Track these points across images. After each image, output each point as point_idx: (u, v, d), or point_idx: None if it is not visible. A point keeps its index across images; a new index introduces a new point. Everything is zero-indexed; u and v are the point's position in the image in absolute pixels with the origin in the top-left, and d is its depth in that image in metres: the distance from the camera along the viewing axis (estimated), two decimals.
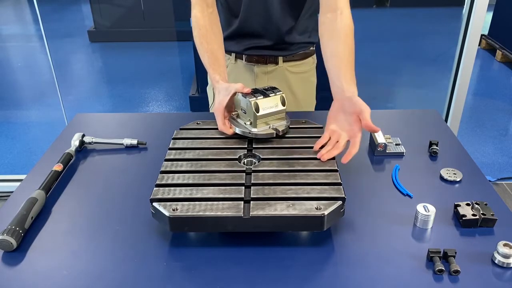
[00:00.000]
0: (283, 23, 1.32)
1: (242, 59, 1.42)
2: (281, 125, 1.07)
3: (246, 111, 1.06)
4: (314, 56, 1.49)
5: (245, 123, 1.07)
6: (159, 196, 0.85)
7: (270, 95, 1.06)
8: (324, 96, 1.57)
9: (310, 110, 1.51)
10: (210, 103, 1.53)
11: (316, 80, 1.52)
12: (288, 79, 1.44)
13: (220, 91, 1.10)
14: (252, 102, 1.03)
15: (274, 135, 1.05)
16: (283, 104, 1.07)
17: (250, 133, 1.04)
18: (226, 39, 1.38)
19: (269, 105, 1.05)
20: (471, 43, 2.13)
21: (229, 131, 1.07)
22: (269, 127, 1.06)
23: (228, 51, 1.42)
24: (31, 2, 6.48)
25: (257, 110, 1.03)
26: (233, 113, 1.10)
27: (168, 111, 3.46)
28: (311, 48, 1.46)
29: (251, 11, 1.31)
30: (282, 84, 1.43)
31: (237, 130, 1.06)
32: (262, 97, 1.05)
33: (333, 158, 0.97)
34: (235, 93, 1.08)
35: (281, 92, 1.07)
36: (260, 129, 1.05)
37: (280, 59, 1.40)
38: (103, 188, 1.03)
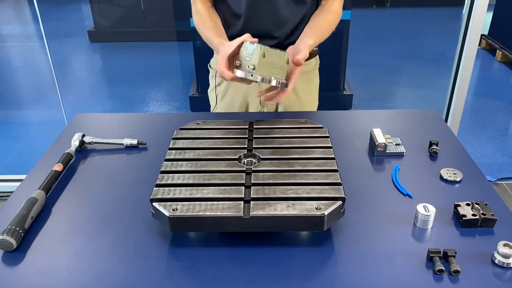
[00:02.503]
0: (288, 22, 1.33)
1: None
2: (281, 78, 1.11)
3: (251, 57, 1.08)
4: (317, 57, 1.49)
5: (248, 66, 1.09)
6: (159, 196, 0.85)
7: (277, 49, 1.10)
8: (324, 96, 1.58)
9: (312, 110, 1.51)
10: (212, 106, 1.52)
11: (318, 81, 1.52)
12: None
13: (225, 44, 1.15)
14: (260, 47, 1.06)
15: (275, 84, 1.09)
16: (287, 62, 1.11)
17: (252, 75, 1.07)
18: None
19: (274, 55, 1.09)
20: (471, 43, 2.13)
21: (230, 75, 1.10)
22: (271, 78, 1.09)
23: None
24: (31, 2, 6.48)
25: (263, 55, 1.06)
26: (236, 61, 1.12)
27: (168, 111, 3.46)
28: (315, 49, 1.45)
29: (256, 12, 1.30)
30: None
31: (239, 73, 1.08)
32: (269, 47, 1.08)
33: (333, 158, 0.97)
34: (241, 44, 1.11)
35: (286, 53, 1.12)
36: (263, 74, 1.07)
37: None
38: (103, 188, 1.03)
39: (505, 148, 2.83)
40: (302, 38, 1.24)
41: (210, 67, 1.51)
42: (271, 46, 1.11)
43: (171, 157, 0.99)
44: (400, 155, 1.13)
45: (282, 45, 1.36)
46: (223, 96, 1.46)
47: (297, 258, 0.82)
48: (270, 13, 1.31)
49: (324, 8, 1.33)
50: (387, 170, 1.07)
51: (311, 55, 1.45)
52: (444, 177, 1.03)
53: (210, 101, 1.54)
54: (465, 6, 2.16)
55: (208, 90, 1.54)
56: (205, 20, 1.30)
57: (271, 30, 1.34)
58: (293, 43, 1.36)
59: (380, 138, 1.13)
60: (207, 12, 1.32)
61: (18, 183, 1.05)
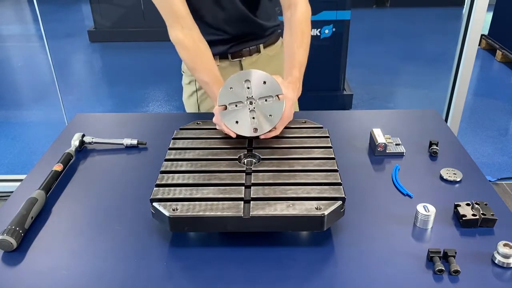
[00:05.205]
0: (247, 15, 1.32)
1: (227, 58, 1.39)
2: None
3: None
4: (281, 38, 1.48)
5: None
6: (159, 196, 0.85)
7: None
8: (324, 96, 1.58)
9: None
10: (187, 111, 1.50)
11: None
12: (269, 63, 1.45)
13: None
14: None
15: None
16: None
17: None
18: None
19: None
20: (471, 43, 2.13)
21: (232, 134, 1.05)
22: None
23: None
24: (31, 2, 6.48)
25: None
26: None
27: (168, 111, 3.46)
28: (279, 31, 1.47)
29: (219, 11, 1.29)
30: (266, 69, 1.39)
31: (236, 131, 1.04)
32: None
33: (333, 158, 0.97)
34: None
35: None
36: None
37: (261, 46, 1.42)
38: (103, 188, 1.03)
39: (505, 148, 2.83)
40: (285, 73, 1.19)
41: (183, 72, 1.45)
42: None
43: (171, 157, 0.99)
44: (400, 155, 1.13)
45: (253, 35, 1.38)
46: (205, 99, 1.42)
47: (297, 258, 0.82)
48: (230, 13, 1.29)
49: (290, 24, 1.23)
50: (387, 170, 1.07)
51: (279, 35, 1.46)
52: (444, 177, 1.03)
53: (186, 109, 1.48)
54: (465, 6, 2.16)
55: (184, 98, 1.47)
56: (196, 61, 1.21)
57: (237, 30, 1.34)
58: (262, 30, 1.38)
59: (380, 138, 1.13)
60: (192, 46, 1.20)
61: (18, 183, 1.05)
